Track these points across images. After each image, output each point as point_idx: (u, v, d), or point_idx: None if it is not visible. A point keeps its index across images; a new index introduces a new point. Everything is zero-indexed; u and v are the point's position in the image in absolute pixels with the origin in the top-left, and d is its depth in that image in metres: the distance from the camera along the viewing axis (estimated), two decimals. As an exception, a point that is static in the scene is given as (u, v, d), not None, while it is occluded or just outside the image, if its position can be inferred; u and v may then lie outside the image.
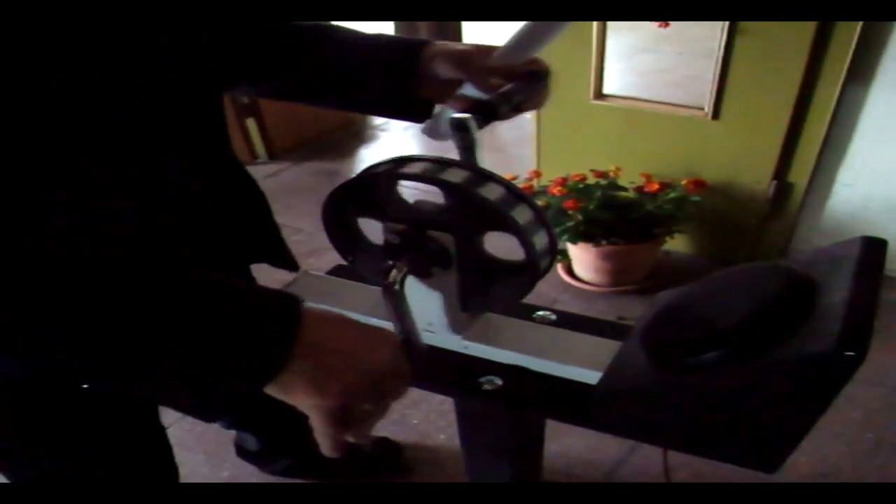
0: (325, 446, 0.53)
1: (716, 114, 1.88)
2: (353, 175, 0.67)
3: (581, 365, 0.69)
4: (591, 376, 0.67)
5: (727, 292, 0.63)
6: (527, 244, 0.62)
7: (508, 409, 0.73)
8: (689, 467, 1.39)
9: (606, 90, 2.03)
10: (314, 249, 2.27)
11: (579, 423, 0.66)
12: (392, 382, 0.53)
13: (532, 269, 0.64)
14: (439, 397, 1.62)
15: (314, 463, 1.46)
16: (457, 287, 0.69)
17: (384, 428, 1.58)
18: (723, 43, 1.75)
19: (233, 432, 1.47)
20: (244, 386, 0.49)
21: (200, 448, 1.59)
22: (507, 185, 0.63)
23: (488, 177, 0.63)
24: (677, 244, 2.09)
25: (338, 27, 0.82)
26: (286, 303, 0.49)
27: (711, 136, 1.92)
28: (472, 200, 0.61)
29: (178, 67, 0.65)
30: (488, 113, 0.67)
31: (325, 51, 0.80)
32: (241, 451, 1.48)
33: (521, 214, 0.62)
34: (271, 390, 0.49)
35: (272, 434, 1.40)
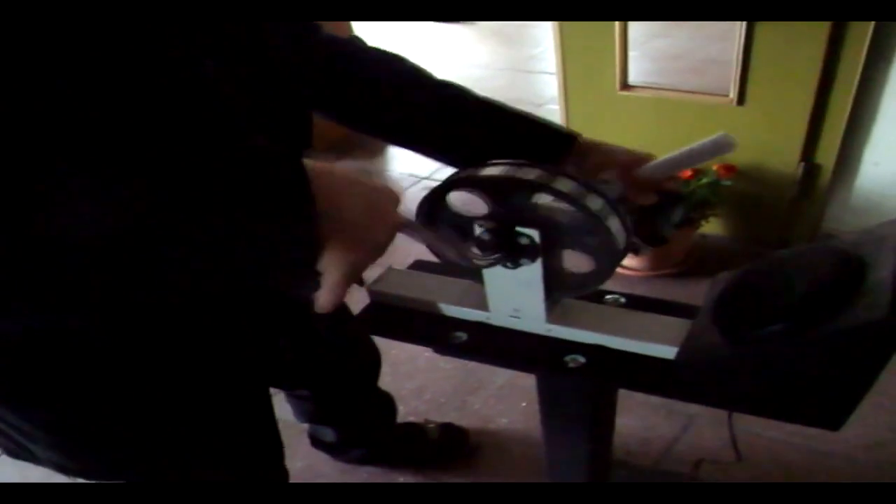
0: (329, 298, 0.56)
1: (741, 99, 1.94)
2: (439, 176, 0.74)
3: (656, 341, 0.78)
4: (667, 351, 0.76)
5: (786, 272, 0.72)
6: (603, 231, 0.71)
7: (593, 383, 0.83)
8: (746, 437, 1.48)
9: (630, 80, 2.10)
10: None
11: (659, 393, 0.76)
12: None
13: (610, 254, 0.73)
14: (498, 382, 1.72)
15: (387, 452, 1.56)
16: (542, 277, 0.78)
17: (447, 415, 1.68)
18: (743, 29, 1.80)
19: (305, 425, 1.56)
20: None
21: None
22: (577, 178, 0.70)
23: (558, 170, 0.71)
24: (712, 228, 2.16)
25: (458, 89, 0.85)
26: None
27: (738, 121, 1.98)
28: (555, 195, 0.69)
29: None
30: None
31: (453, 125, 0.84)
32: (316, 442, 1.56)
33: (594, 203, 0.70)
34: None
35: (350, 426, 1.49)
